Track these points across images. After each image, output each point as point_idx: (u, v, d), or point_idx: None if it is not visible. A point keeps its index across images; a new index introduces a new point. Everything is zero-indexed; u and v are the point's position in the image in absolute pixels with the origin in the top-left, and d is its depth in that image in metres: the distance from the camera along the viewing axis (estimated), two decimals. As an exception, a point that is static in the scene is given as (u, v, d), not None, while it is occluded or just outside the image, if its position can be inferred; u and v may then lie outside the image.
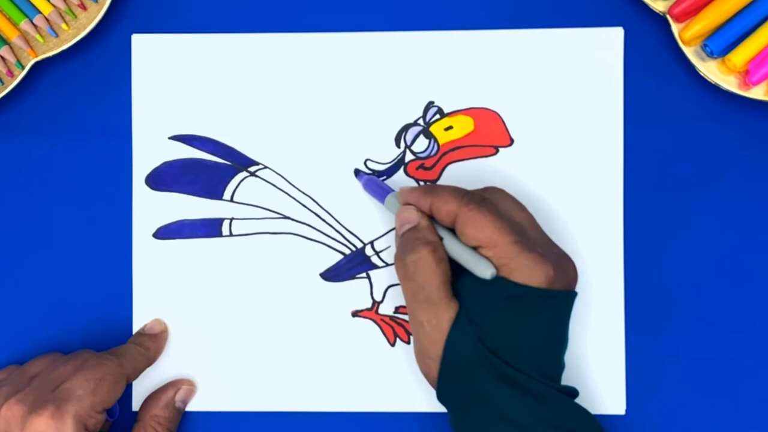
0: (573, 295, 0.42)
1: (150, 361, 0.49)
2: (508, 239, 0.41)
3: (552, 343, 0.42)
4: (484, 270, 0.41)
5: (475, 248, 0.42)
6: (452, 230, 0.43)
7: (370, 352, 0.50)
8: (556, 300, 0.41)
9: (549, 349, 0.42)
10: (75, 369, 0.44)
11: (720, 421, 0.49)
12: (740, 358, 0.49)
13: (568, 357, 0.44)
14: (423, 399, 0.49)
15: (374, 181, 0.49)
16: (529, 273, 0.40)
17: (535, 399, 0.40)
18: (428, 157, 0.50)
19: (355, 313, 0.50)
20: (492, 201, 0.43)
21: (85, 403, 0.43)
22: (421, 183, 0.50)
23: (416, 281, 0.42)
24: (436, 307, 0.42)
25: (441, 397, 0.43)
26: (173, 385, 0.49)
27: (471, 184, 0.49)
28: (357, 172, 0.50)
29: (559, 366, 0.43)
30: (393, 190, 0.47)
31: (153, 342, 0.49)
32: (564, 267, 0.42)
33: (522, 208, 0.44)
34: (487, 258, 0.41)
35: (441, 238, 0.43)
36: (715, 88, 0.49)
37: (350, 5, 0.51)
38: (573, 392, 0.43)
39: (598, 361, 0.49)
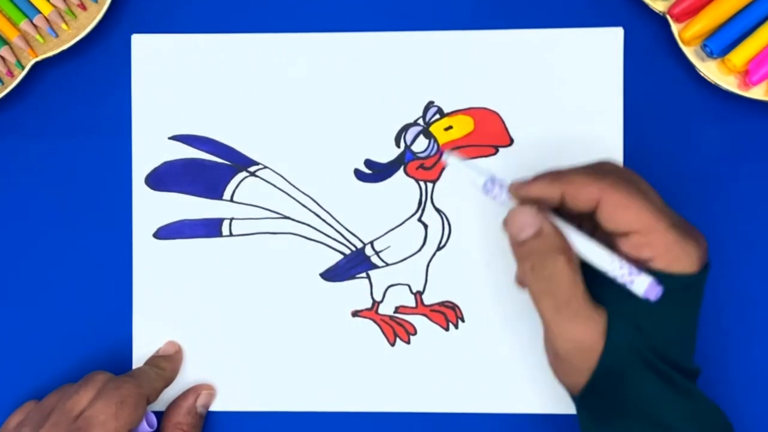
0: (710, 266, 0.39)
1: (167, 381, 0.48)
2: (664, 224, 0.37)
3: (697, 323, 0.40)
4: (643, 287, 0.37)
5: (624, 236, 0.38)
6: (578, 227, 0.40)
7: (370, 352, 0.50)
8: (704, 278, 0.39)
9: (695, 329, 0.40)
10: (93, 395, 0.44)
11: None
12: (740, 357, 0.49)
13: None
14: (422, 399, 0.49)
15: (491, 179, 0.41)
16: (688, 261, 0.37)
17: (686, 397, 0.38)
18: (428, 157, 0.50)
19: (355, 313, 0.50)
20: (633, 179, 0.39)
21: (110, 427, 0.43)
22: (421, 183, 0.50)
23: (558, 297, 0.38)
24: (585, 320, 0.38)
25: (583, 402, 0.40)
26: (193, 391, 0.49)
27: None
28: (440, 153, 0.46)
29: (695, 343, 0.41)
30: (489, 178, 0.40)
31: (168, 363, 0.49)
32: (700, 242, 0.39)
33: (650, 186, 0.39)
34: (640, 260, 0.38)
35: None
36: (715, 88, 0.49)
37: (350, 5, 0.51)
38: (700, 370, 0.41)
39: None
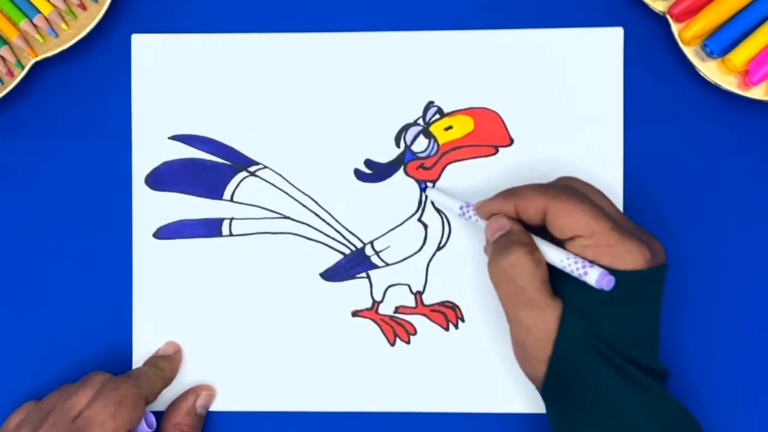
0: (666, 268, 0.42)
1: (166, 381, 0.49)
2: (605, 226, 0.40)
3: (657, 322, 0.42)
4: (595, 277, 0.39)
5: (571, 239, 0.41)
6: (543, 237, 0.43)
7: (369, 352, 0.50)
8: (657, 278, 0.41)
9: (655, 328, 0.42)
10: (92, 395, 0.44)
11: (721, 423, 0.49)
12: (742, 357, 0.49)
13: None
14: (422, 399, 0.49)
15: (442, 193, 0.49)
16: (630, 259, 0.40)
17: (645, 392, 0.40)
18: (428, 157, 0.50)
19: (355, 313, 0.50)
20: (577, 189, 0.42)
21: (108, 428, 0.43)
22: (421, 183, 0.50)
23: (516, 284, 0.41)
24: (540, 309, 0.41)
25: (546, 395, 0.42)
26: (193, 391, 0.49)
27: (471, 184, 0.49)
28: (424, 188, 0.50)
29: (659, 343, 0.43)
30: (464, 203, 0.47)
31: (167, 363, 0.49)
32: (654, 246, 0.42)
33: (602, 194, 0.43)
34: (589, 259, 0.40)
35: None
36: (715, 88, 0.49)
37: (350, 5, 0.51)
38: (668, 371, 0.43)
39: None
